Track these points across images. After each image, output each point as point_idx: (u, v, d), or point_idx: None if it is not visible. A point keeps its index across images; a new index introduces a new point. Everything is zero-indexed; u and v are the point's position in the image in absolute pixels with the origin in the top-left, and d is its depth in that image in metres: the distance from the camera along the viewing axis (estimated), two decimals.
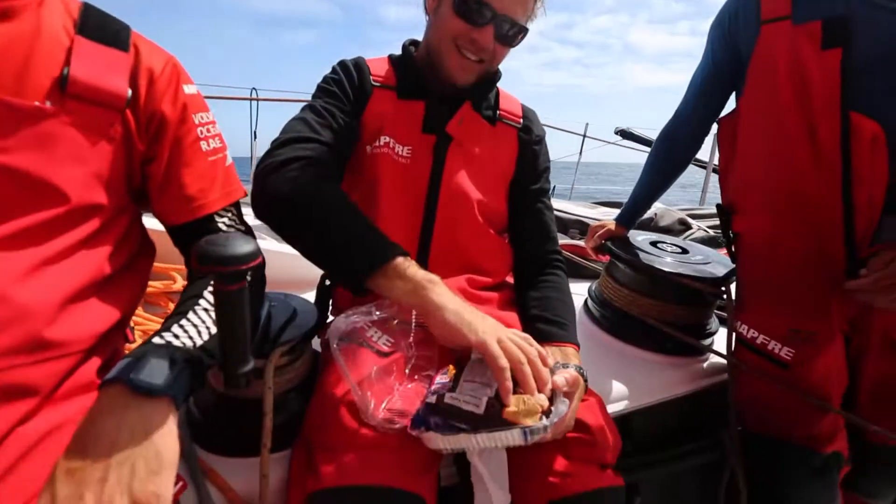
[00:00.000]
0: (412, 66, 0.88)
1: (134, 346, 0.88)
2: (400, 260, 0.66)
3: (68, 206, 0.53)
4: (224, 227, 0.68)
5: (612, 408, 1.01)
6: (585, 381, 0.75)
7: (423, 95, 0.85)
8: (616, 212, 2.24)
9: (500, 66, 0.90)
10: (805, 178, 0.86)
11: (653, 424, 1.09)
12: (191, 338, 0.52)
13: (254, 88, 2.87)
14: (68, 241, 0.54)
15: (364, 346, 0.72)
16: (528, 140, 0.93)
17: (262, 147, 3.01)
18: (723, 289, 1.09)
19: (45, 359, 0.52)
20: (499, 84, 0.94)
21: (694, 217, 2.31)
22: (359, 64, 0.86)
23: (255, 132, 2.97)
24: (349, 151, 0.82)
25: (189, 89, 0.65)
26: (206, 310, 0.57)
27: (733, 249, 1.08)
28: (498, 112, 0.91)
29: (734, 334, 1.02)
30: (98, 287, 0.59)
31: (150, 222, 0.71)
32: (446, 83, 0.83)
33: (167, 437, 0.44)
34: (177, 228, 0.66)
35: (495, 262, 0.93)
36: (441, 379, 0.68)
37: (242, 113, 2.97)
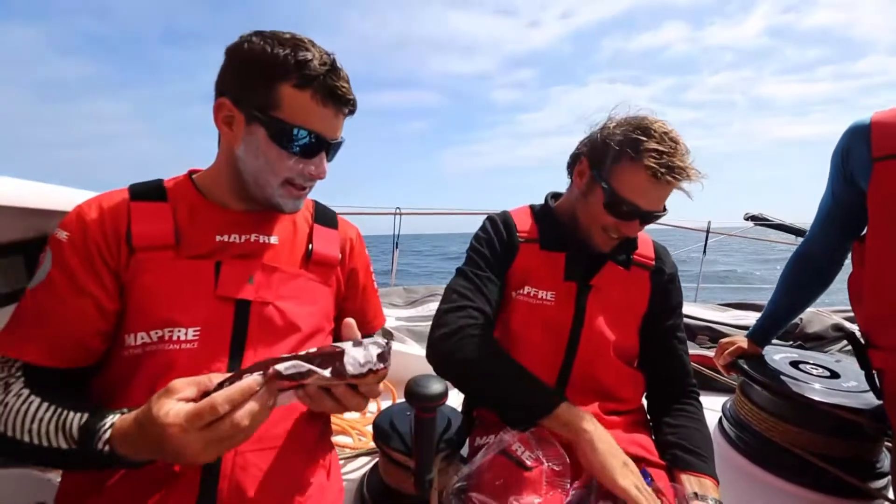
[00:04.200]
0: (554, 220, 1.00)
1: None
2: (564, 407, 0.81)
3: (300, 334, 0.77)
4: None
5: None
6: None
7: (564, 247, 0.97)
8: (750, 315, 2.08)
9: None
10: None
11: None
12: None
13: (398, 207, 3.50)
14: None
15: (510, 458, 0.84)
16: (661, 280, 0.99)
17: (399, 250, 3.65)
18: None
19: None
20: None
21: (853, 321, 2.01)
22: (507, 222, 1.00)
23: (396, 242, 3.57)
24: (497, 306, 0.95)
25: (366, 251, 0.94)
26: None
27: (877, 384, 0.99)
28: (632, 256, 0.99)
29: None
30: None
31: None
32: (576, 231, 0.97)
33: None
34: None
35: (628, 392, 0.99)
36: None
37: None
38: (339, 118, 0.72)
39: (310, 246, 0.80)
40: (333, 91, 0.68)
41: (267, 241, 0.76)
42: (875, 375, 1.00)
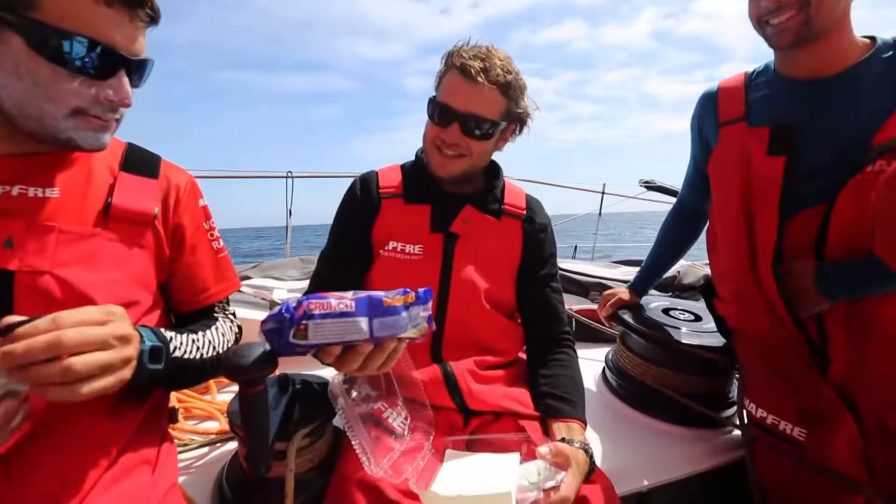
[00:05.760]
0: (421, 173, 0.98)
1: (179, 424, 0.99)
2: None
3: None
4: (217, 310, 0.81)
5: (631, 484, 1.01)
6: (591, 458, 0.78)
7: (430, 199, 0.95)
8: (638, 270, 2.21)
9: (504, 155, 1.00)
10: (756, 273, 0.89)
11: (675, 502, 1.06)
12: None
13: (289, 171, 3.21)
14: None
15: (381, 427, 0.78)
16: (532, 230, 1.00)
17: (296, 217, 3.31)
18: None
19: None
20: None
21: None
22: (367, 180, 0.98)
23: (290, 209, 3.30)
24: (359, 274, 0.95)
25: (202, 202, 0.79)
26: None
27: (725, 324, 1.08)
28: (503, 206, 0.99)
29: (744, 411, 1.01)
30: None
31: None
32: (441, 182, 0.94)
33: None
34: (183, 314, 0.78)
35: (504, 343, 0.99)
36: None
37: (279, 189, 3.30)
38: (135, 25, 0.56)
39: (109, 199, 0.65)
40: None
41: (41, 193, 0.59)
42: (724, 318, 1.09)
